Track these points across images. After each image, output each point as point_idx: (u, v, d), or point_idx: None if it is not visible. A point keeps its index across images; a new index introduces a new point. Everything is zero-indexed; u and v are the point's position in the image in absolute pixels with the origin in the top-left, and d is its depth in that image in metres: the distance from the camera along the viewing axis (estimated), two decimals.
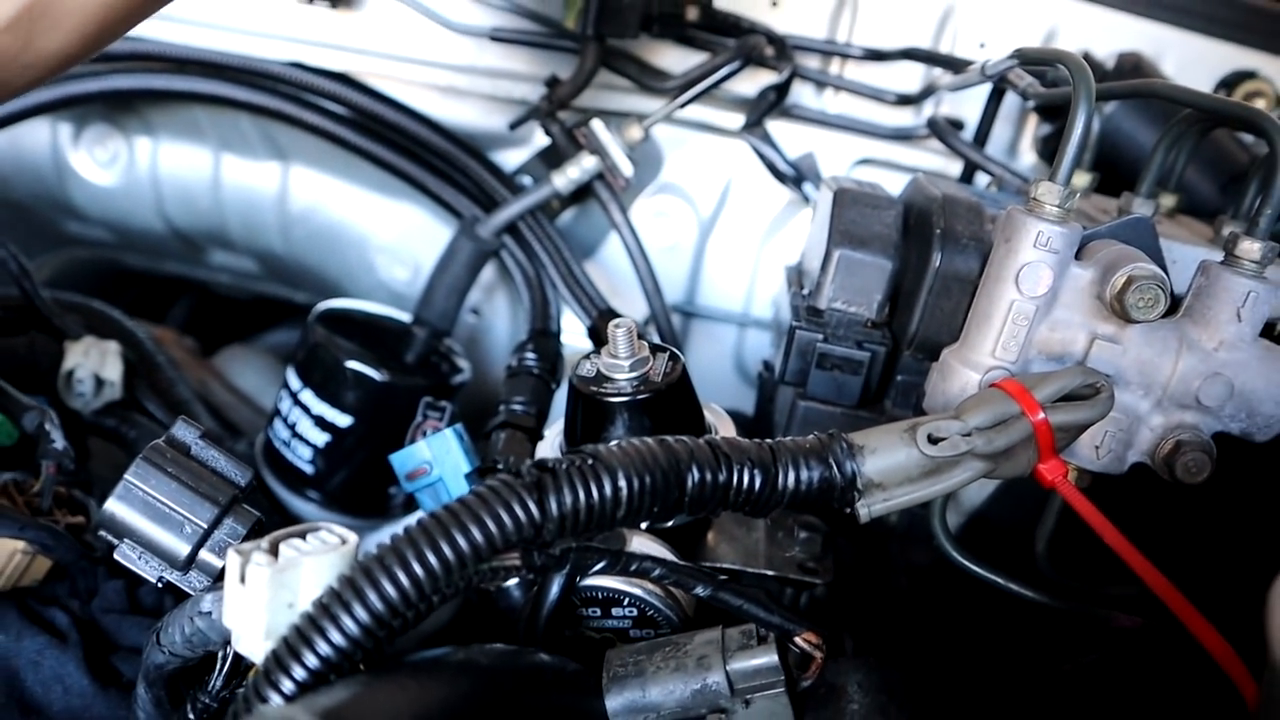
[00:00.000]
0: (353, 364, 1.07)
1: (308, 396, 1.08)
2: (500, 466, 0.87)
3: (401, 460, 0.87)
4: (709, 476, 0.60)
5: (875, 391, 0.89)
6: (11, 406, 0.94)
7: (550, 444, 0.87)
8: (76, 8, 0.66)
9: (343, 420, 1.08)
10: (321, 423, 1.08)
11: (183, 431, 0.69)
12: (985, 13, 1.27)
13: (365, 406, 1.07)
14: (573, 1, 1.16)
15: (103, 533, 0.68)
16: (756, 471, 0.61)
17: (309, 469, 1.10)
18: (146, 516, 0.66)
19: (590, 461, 0.57)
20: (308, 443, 1.09)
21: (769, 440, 0.63)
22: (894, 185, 1.21)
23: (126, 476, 0.66)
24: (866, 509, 0.64)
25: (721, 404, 1.27)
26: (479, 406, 1.27)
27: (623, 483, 0.57)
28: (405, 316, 1.21)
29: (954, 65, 1.19)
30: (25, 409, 0.91)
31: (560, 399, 0.85)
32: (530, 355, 1.02)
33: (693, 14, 1.22)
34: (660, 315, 1.20)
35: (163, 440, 0.69)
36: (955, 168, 1.25)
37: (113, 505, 0.65)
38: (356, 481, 1.11)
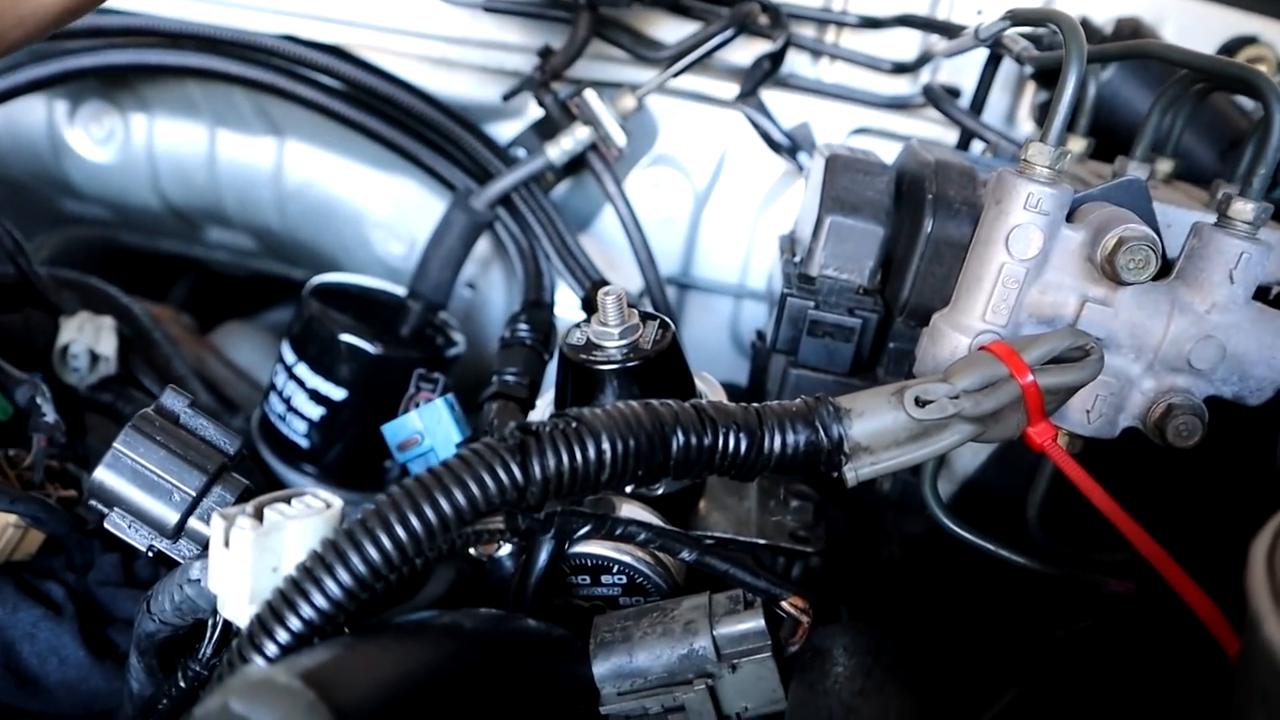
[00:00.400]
0: (347, 337, 1.06)
1: (302, 370, 1.08)
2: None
3: (393, 430, 0.87)
4: (694, 440, 0.60)
5: (868, 359, 0.89)
6: (4, 381, 0.94)
7: (541, 413, 0.87)
8: None
9: (337, 393, 1.08)
10: (316, 396, 1.08)
11: (171, 400, 0.70)
12: None
13: (359, 379, 1.07)
14: None
15: (93, 501, 0.68)
16: (742, 435, 0.61)
17: (304, 442, 1.10)
18: (135, 485, 0.66)
19: (574, 424, 0.57)
20: (303, 416, 1.09)
21: (755, 404, 0.63)
22: (891, 154, 1.20)
23: (115, 445, 0.66)
24: (854, 473, 0.63)
25: (717, 376, 1.27)
26: (475, 380, 1.26)
27: (606, 445, 0.57)
28: (400, 290, 1.21)
29: (950, 31, 1.18)
30: (17, 383, 0.91)
31: (553, 369, 0.85)
32: (523, 326, 1.02)
33: None
34: (655, 287, 1.20)
35: (151, 409, 0.69)
36: (952, 136, 1.23)
37: (102, 473, 0.66)
38: (351, 455, 1.11)
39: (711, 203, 1.32)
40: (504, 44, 1.28)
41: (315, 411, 1.09)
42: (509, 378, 0.95)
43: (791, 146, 1.24)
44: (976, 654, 0.83)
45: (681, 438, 0.59)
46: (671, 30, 1.27)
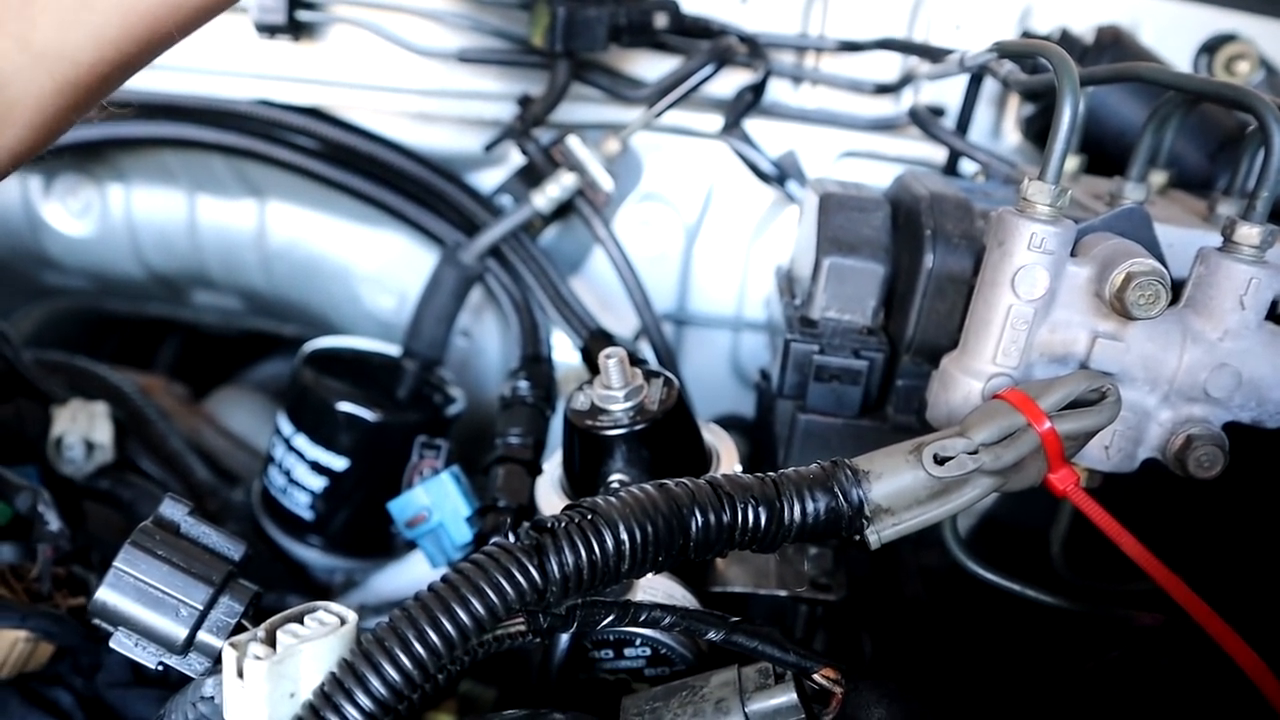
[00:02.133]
0: (345, 405, 1.05)
1: (301, 442, 1.07)
2: (501, 505, 0.86)
3: (400, 508, 0.86)
4: (713, 519, 0.58)
5: (876, 399, 0.87)
6: (3, 488, 0.92)
7: (550, 479, 0.85)
8: (26, 99, 0.61)
9: (338, 463, 1.06)
10: (317, 467, 1.06)
11: (171, 510, 0.67)
12: None
13: (361, 447, 1.05)
14: (539, 18, 1.14)
15: (97, 621, 0.66)
16: (761, 509, 0.59)
17: (308, 515, 1.09)
18: (139, 603, 0.63)
19: (589, 516, 0.55)
20: (305, 488, 1.08)
21: (771, 474, 0.62)
22: (879, 177, 1.19)
23: (116, 563, 0.64)
24: (876, 536, 0.62)
25: (720, 410, 1.26)
26: (476, 429, 1.25)
27: (624, 535, 0.55)
28: (394, 349, 1.19)
29: (930, 53, 1.17)
30: (16, 489, 0.89)
31: (558, 424, 0.84)
32: (523, 384, 1.00)
33: (661, 20, 1.19)
34: (652, 328, 1.18)
35: (150, 521, 0.67)
36: (940, 154, 1.22)
37: (104, 594, 0.63)
38: (357, 523, 1.09)
39: (703, 236, 1.31)
40: (482, 93, 1.26)
41: (317, 483, 1.07)
42: (513, 439, 0.94)
43: (779, 175, 1.23)
44: (1006, 698, 0.81)
45: (700, 518, 0.58)
46: (650, 67, 1.26)
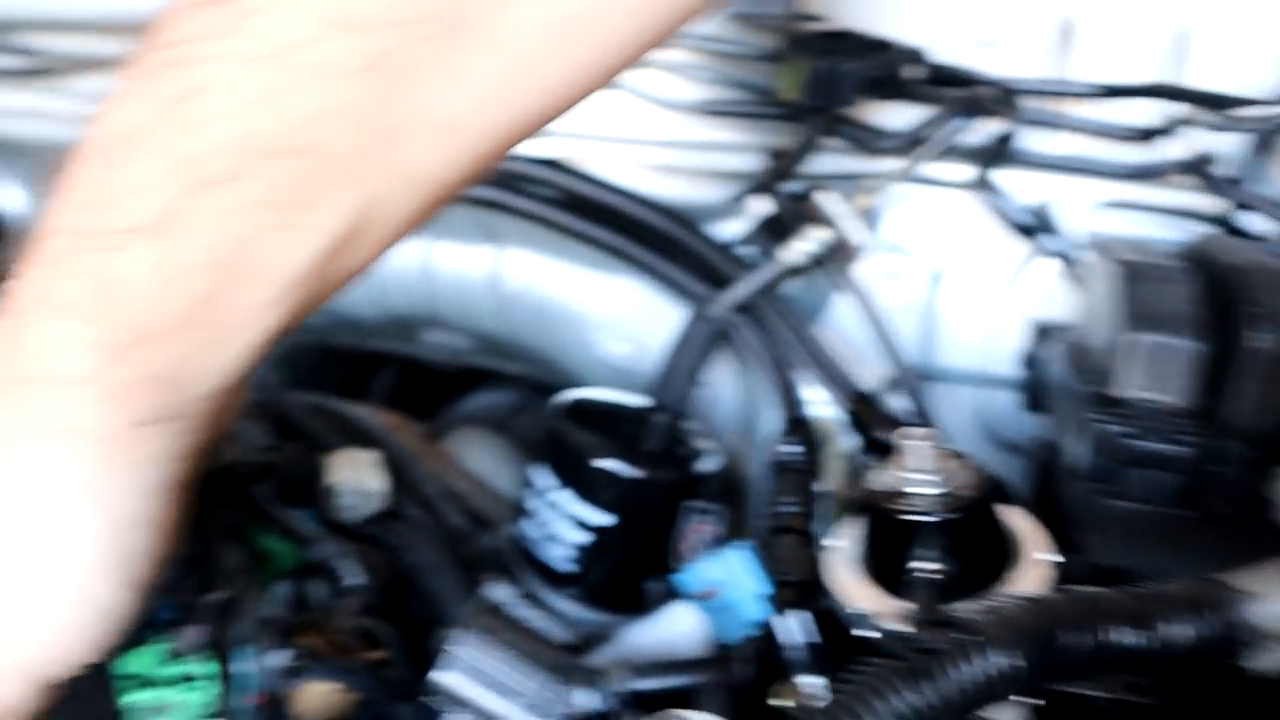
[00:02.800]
0: (606, 463, 1.06)
1: (562, 496, 1.09)
2: (790, 581, 0.85)
3: (689, 580, 0.86)
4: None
5: (1192, 486, 0.83)
6: (296, 534, 0.97)
7: (846, 558, 0.83)
8: (393, 218, 0.63)
9: (603, 520, 1.07)
10: (579, 523, 1.08)
11: (496, 593, 0.69)
12: (1229, 32, 1.18)
13: (626, 504, 1.07)
14: (790, 72, 1.13)
15: (426, 699, 0.68)
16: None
17: (570, 568, 1.11)
18: (480, 684, 0.66)
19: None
20: (566, 543, 1.09)
21: (1138, 589, 0.59)
22: (1141, 229, 1.14)
23: (453, 647, 0.66)
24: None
25: None
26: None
27: None
28: (639, 400, 1.20)
29: (1205, 99, 1.11)
30: (312, 541, 0.93)
31: None
32: (791, 448, 0.99)
33: (908, 70, 1.17)
34: (911, 384, 1.15)
35: (481, 603, 0.69)
36: (1207, 204, 1.16)
37: (442, 675, 0.66)
38: (616, 578, 1.10)
39: (947, 289, 1.27)
40: (721, 144, 1.26)
41: (581, 537, 1.09)
42: (789, 508, 0.93)
43: (1030, 227, 1.19)
44: None
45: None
46: (891, 115, 1.23)
